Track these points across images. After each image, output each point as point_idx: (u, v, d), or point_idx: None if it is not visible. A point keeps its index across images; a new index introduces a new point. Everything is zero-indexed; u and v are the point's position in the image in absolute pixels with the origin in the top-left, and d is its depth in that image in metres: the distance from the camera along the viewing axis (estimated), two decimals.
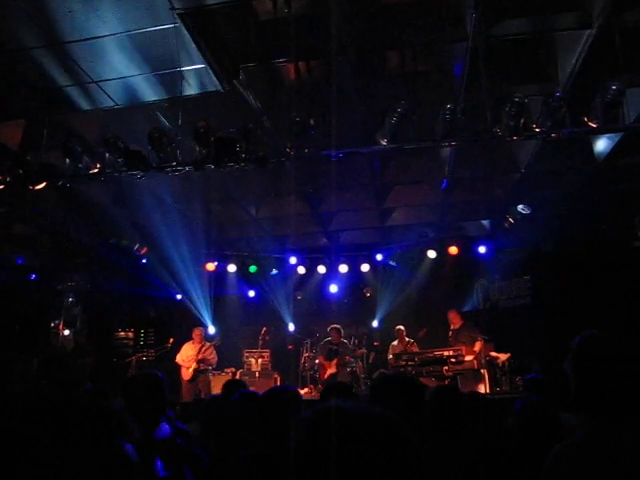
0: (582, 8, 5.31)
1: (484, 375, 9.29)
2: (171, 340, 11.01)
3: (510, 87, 6.11)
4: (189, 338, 10.44)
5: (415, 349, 10.47)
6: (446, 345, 9.96)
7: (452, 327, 10.17)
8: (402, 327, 10.88)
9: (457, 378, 9.20)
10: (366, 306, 13.01)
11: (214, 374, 10.74)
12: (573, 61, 5.85)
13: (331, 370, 10.46)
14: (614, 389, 1.84)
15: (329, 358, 10.62)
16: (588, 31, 5.41)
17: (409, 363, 9.55)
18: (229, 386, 5.08)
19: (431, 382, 9.12)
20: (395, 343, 10.89)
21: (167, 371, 10.15)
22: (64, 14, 5.07)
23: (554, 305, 10.17)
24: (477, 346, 9.37)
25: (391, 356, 10.76)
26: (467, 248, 11.49)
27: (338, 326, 10.84)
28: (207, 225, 10.85)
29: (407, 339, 10.73)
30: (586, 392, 1.92)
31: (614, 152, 7.52)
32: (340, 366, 10.50)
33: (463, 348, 9.32)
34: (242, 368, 11.40)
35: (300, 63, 6.37)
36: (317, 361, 11.04)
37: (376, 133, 6.47)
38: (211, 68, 5.88)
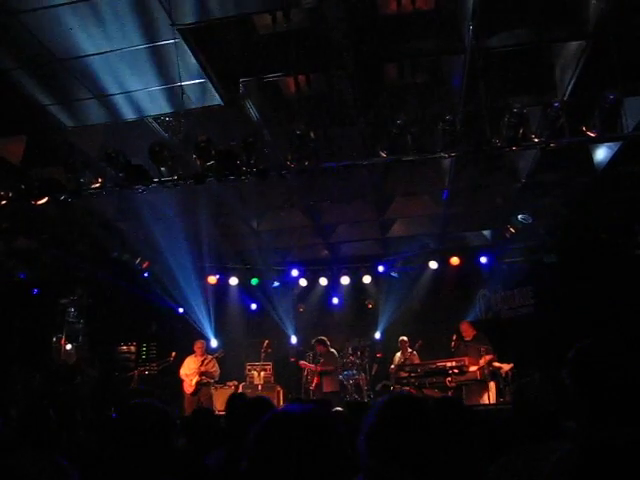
0: (579, 19, 5.35)
1: (488, 386, 9.24)
2: (173, 354, 10.98)
3: (509, 98, 6.14)
4: (191, 352, 10.41)
5: (416, 360, 10.42)
6: (446, 355, 9.91)
7: (465, 338, 10.06)
8: (405, 338, 10.83)
9: (462, 389, 9.16)
10: (368, 317, 12.97)
11: (216, 387, 10.70)
12: (571, 71, 5.89)
13: (316, 381, 10.42)
14: (611, 398, 1.84)
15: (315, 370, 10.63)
16: (585, 41, 5.45)
17: (412, 374, 9.51)
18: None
19: (434, 393, 9.08)
20: (398, 354, 10.85)
21: (170, 385, 10.20)
22: (65, 31, 5.12)
23: (557, 314, 10.15)
24: (482, 361, 9.27)
25: (393, 366, 10.73)
26: (468, 258, 11.48)
27: (322, 338, 10.74)
28: (208, 238, 10.85)
29: (409, 350, 10.68)
30: (583, 401, 1.92)
31: (614, 161, 7.54)
32: (321, 375, 10.36)
33: (466, 359, 9.27)
34: (244, 381, 11.36)
35: (299, 76, 6.42)
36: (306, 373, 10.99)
37: (376, 145, 6.51)
38: (211, 82, 5.93)
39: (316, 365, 10.51)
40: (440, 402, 3.50)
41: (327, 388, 10.19)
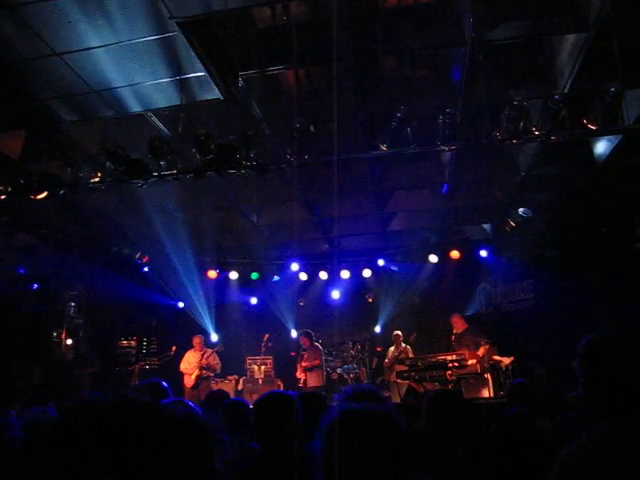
0: (579, 11, 5.33)
1: (488, 379, 9.25)
2: (174, 348, 11.00)
3: (509, 90, 6.12)
4: (191, 346, 10.43)
5: (410, 354, 10.44)
6: (447, 349, 9.93)
7: (455, 331, 10.12)
8: (399, 332, 10.85)
9: (460, 382, 9.17)
10: (368, 311, 12.99)
11: (217, 381, 10.72)
12: (571, 63, 5.86)
13: (301, 377, 10.32)
14: (625, 389, 1.84)
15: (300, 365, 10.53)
16: (586, 33, 5.42)
17: (412, 368, 9.52)
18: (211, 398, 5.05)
19: (434, 387, 9.09)
20: (392, 349, 10.87)
21: (170, 379, 10.20)
22: (64, 25, 5.10)
23: (557, 308, 10.14)
24: (481, 350, 9.32)
25: (387, 360, 10.75)
26: (469, 252, 11.48)
27: (308, 330, 10.70)
28: (208, 232, 10.85)
29: (403, 345, 10.68)
30: (596, 392, 1.92)
31: (614, 154, 7.51)
32: (307, 371, 10.25)
33: (466, 352, 9.28)
34: (245, 375, 11.38)
35: (299, 70, 6.40)
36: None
37: (376, 138, 6.49)
38: (211, 76, 5.90)
39: (299, 365, 10.42)
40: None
41: (312, 383, 10.11)
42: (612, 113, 5.71)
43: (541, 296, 11.21)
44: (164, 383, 3.53)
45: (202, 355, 10.18)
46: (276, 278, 12.83)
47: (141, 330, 12.84)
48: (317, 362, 10.29)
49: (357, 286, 12.94)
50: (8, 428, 2.64)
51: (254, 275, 12.76)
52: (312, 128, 6.13)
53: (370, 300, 13.13)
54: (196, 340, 10.39)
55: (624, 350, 1.90)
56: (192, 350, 10.34)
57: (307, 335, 10.59)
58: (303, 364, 10.31)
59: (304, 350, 10.53)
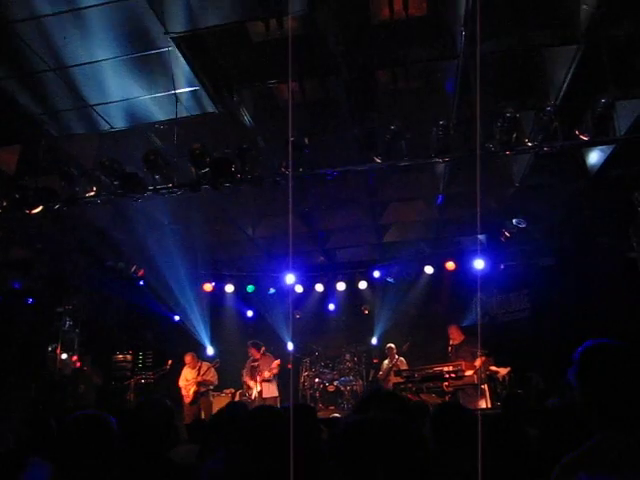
0: (570, 24, 5.39)
1: (485, 390, 9.25)
2: (169, 362, 10.95)
3: (501, 102, 6.17)
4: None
5: (403, 366, 10.43)
6: (444, 360, 9.92)
7: (452, 342, 10.13)
8: (392, 345, 10.86)
9: (458, 393, 9.16)
10: (364, 323, 12.95)
11: (213, 395, 10.66)
12: (563, 75, 5.92)
13: (256, 389, 10.24)
14: (622, 399, 1.83)
15: (252, 377, 10.43)
16: (577, 46, 5.49)
17: (409, 380, 9.50)
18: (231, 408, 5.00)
19: (432, 398, 9.07)
20: (386, 362, 10.85)
21: (167, 394, 10.15)
22: (59, 41, 5.13)
23: (553, 318, 10.16)
24: (478, 362, 9.31)
25: (381, 373, 10.74)
26: (464, 263, 11.50)
27: (257, 341, 10.71)
28: (204, 246, 10.84)
29: (396, 357, 10.68)
30: (592, 403, 1.91)
31: (606, 164, 7.57)
32: (264, 382, 10.22)
33: (463, 363, 9.28)
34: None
35: (293, 83, 6.44)
36: (244, 380, 10.73)
37: (370, 151, 6.53)
38: (205, 90, 5.94)
39: (259, 375, 10.36)
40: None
41: (269, 394, 10.11)
42: (603, 124, 5.76)
43: (537, 306, 11.23)
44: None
45: (198, 371, 10.13)
46: (272, 291, 12.81)
47: (136, 344, 12.78)
48: (276, 371, 10.32)
49: (353, 298, 12.93)
50: None
51: (250, 288, 12.74)
52: (306, 141, 6.17)
53: (366, 312, 13.10)
54: (187, 359, 10.35)
55: (620, 359, 1.90)
56: (187, 367, 10.30)
57: (255, 346, 10.57)
58: (264, 375, 10.25)
59: (254, 361, 10.49)
